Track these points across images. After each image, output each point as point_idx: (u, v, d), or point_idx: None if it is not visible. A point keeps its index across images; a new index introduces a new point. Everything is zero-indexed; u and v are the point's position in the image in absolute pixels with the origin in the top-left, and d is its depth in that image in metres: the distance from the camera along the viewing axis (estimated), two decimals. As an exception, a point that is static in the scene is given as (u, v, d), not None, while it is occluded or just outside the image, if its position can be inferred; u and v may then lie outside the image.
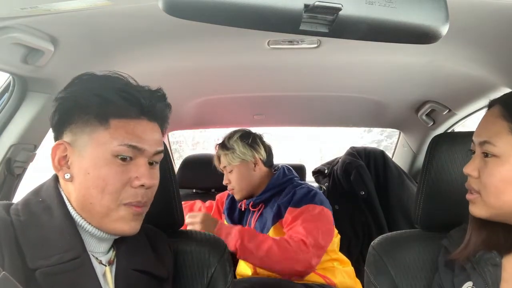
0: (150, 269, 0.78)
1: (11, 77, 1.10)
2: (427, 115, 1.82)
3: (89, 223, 0.71)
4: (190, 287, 0.91)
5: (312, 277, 1.47)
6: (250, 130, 1.65)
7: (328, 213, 1.47)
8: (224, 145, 1.60)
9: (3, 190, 1.15)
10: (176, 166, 2.32)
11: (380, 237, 0.97)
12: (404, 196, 1.97)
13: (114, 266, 0.75)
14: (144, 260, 0.79)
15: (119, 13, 0.89)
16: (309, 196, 1.48)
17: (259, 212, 1.58)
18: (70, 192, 0.71)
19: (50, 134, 1.25)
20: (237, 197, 1.61)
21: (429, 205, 0.93)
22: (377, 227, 1.95)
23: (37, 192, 0.73)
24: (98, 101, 0.69)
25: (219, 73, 1.44)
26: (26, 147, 1.17)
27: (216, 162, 1.66)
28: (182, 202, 1.59)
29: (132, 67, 1.23)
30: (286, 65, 1.35)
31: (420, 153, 2.11)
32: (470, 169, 0.74)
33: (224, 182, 1.62)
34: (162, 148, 0.75)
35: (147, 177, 0.71)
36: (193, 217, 1.44)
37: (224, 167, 1.61)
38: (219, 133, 1.73)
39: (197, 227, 1.41)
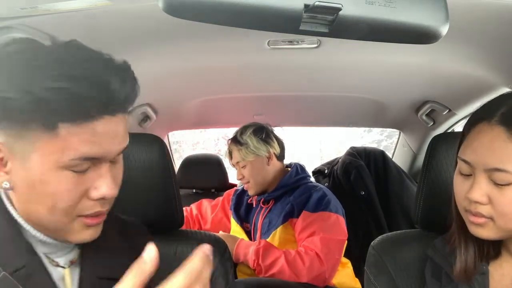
0: (122, 275, 0.64)
1: (11, 77, 1.10)
2: (427, 115, 1.82)
3: (40, 232, 0.59)
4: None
5: None
6: (262, 124, 1.64)
7: (343, 221, 1.47)
8: (237, 140, 1.58)
9: (3, 190, 1.15)
10: (176, 166, 2.32)
11: (380, 237, 0.97)
12: (404, 196, 1.97)
13: (77, 270, 0.64)
14: (116, 264, 0.61)
15: (119, 13, 0.89)
16: (324, 202, 1.47)
17: (269, 209, 1.58)
18: (12, 197, 0.59)
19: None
20: (251, 192, 1.60)
21: (429, 205, 0.93)
22: (377, 227, 1.95)
23: None
24: (33, 99, 0.50)
25: (219, 73, 1.44)
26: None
27: (228, 158, 1.65)
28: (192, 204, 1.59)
29: (132, 67, 1.23)
30: (286, 65, 1.35)
31: (420, 153, 2.11)
32: (478, 195, 0.66)
33: (238, 178, 1.62)
34: (126, 144, 0.60)
35: (108, 187, 0.57)
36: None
37: (237, 162, 1.59)
38: (219, 133, 1.73)
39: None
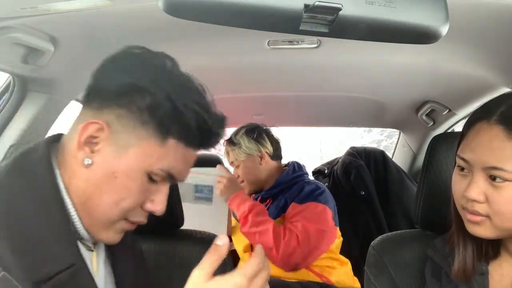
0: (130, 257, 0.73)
1: (11, 77, 1.10)
2: (427, 115, 1.82)
3: (83, 226, 0.61)
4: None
5: (309, 276, 1.47)
6: (257, 125, 1.66)
7: (329, 213, 1.47)
8: (231, 141, 1.63)
9: (3, 190, 1.15)
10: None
11: (380, 237, 0.97)
12: (404, 196, 1.97)
13: (101, 250, 0.68)
14: (125, 247, 0.71)
15: (119, 13, 0.89)
16: (315, 194, 1.48)
17: (267, 208, 1.59)
18: (77, 177, 0.59)
19: (50, 134, 1.25)
20: (245, 191, 1.62)
21: (429, 205, 0.93)
22: (377, 227, 1.95)
23: (23, 163, 0.60)
24: (172, 114, 0.58)
25: (218, 73, 1.44)
26: (26, 147, 1.17)
27: (226, 158, 1.69)
28: None
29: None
30: (286, 65, 1.35)
31: (420, 153, 2.11)
32: (475, 193, 0.67)
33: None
34: None
35: (162, 205, 0.63)
36: (222, 176, 1.51)
37: (232, 162, 1.64)
38: None
39: (220, 186, 1.49)
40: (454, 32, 0.72)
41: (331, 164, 2.18)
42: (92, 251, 0.66)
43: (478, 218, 0.68)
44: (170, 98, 0.58)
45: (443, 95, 1.63)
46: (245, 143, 1.58)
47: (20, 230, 0.55)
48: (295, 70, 1.41)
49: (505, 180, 0.64)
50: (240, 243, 1.60)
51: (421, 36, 0.56)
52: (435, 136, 0.96)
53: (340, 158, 2.14)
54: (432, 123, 1.85)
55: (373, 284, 0.92)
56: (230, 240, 1.74)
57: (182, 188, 1.51)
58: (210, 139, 0.63)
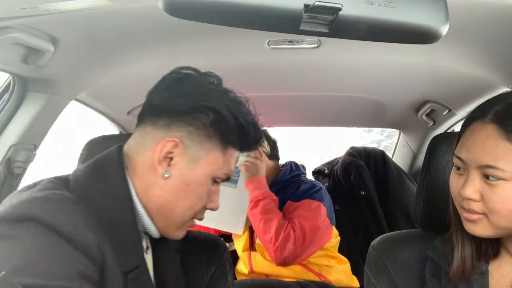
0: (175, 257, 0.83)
1: (11, 77, 1.11)
2: (427, 115, 1.82)
3: (154, 224, 0.70)
4: (190, 287, 0.91)
5: (307, 275, 1.47)
6: None
7: (324, 211, 1.47)
8: None
9: (3, 190, 1.15)
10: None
11: (380, 237, 0.97)
12: (404, 196, 1.97)
13: (149, 252, 0.77)
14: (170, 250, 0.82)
15: (119, 13, 0.89)
16: (310, 191, 1.49)
17: None
18: (155, 187, 0.68)
19: (50, 134, 1.26)
20: None
21: (429, 205, 0.93)
22: (377, 227, 1.95)
23: (97, 174, 0.67)
24: (236, 128, 0.70)
25: (218, 73, 1.43)
26: (26, 147, 1.17)
27: None
28: None
29: (132, 67, 1.23)
30: (286, 65, 1.35)
31: (420, 153, 2.11)
32: (470, 191, 0.68)
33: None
34: None
35: (218, 203, 0.75)
36: (252, 157, 1.51)
37: None
38: None
39: (246, 164, 1.50)
40: (454, 32, 0.73)
41: (331, 164, 2.18)
42: (147, 254, 0.74)
43: (474, 216, 0.69)
44: (229, 113, 0.69)
45: (443, 95, 1.62)
46: None
47: (109, 227, 0.62)
48: (295, 70, 1.41)
49: (499, 178, 0.65)
50: (239, 242, 1.61)
51: (421, 36, 0.56)
52: (435, 136, 0.96)
53: (340, 158, 2.14)
54: (432, 123, 1.85)
55: (373, 284, 0.92)
56: (231, 240, 1.73)
57: None
58: (257, 142, 0.75)
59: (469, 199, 0.68)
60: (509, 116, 0.66)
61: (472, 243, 0.75)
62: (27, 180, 1.26)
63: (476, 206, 0.68)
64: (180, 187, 0.68)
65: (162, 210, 0.69)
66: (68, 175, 0.68)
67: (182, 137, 0.68)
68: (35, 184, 0.64)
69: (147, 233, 0.74)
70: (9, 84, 1.13)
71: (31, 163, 1.23)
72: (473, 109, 0.74)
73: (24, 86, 1.12)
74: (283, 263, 1.40)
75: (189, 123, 0.68)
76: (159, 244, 0.78)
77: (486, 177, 0.66)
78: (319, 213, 1.44)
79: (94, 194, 0.64)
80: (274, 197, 1.46)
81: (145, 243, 0.74)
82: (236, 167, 1.52)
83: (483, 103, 0.72)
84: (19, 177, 1.21)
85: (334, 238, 1.55)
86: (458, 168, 0.72)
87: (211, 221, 1.52)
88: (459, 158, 0.71)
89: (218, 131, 0.69)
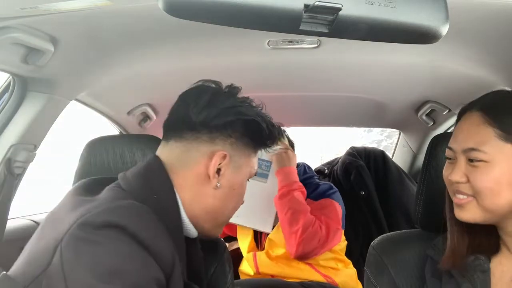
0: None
1: (11, 77, 1.11)
2: (427, 115, 1.81)
3: (199, 227, 0.77)
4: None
5: (314, 276, 1.46)
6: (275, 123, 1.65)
7: (341, 212, 1.50)
8: None
9: (3, 190, 1.15)
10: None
11: (380, 237, 0.97)
12: (404, 196, 1.97)
13: None
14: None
15: (119, 13, 0.89)
16: (329, 192, 1.50)
17: None
18: (206, 196, 0.75)
19: (50, 134, 1.25)
20: None
21: (429, 205, 0.93)
22: (377, 227, 1.94)
23: (147, 182, 0.72)
24: (266, 132, 0.79)
25: (218, 73, 1.43)
26: (26, 147, 1.17)
27: None
28: None
29: (132, 67, 1.23)
30: (286, 65, 1.35)
31: (420, 153, 2.11)
32: (458, 175, 0.73)
33: None
34: None
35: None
36: (285, 148, 1.49)
37: None
38: None
39: (280, 152, 1.47)
40: (454, 32, 0.72)
41: (331, 164, 2.18)
42: None
43: (463, 200, 0.73)
44: (261, 121, 0.77)
45: (443, 95, 1.62)
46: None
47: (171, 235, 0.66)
48: (295, 70, 1.41)
49: (481, 160, 0.70)
50: (244, 242, 1.59)
51: (421, 36, 0.56)
52: (435, 136, 0.96)
53: (340, 158, 2.14)
54: (432, 123, 1.84)
55: (373, 284, 0.92)
56: (232, 239, 1.73)
57: None
58: (277, 139, 0.83)
59: (457, 182, 0.73)
60: (493, 104, 0.73)
61: (465, 234, 0.77)
62: (27, 180, 1.26)
63: (465, 188, 0.72)
64: (228, 192, 0.77)
65: (212, 214, 0.77)
66: (116, 183, 0.72)
67: (227, 149, 0.76)
68: (93, 191, 0.69)
69: None
70: (9, 84, 1.13)
71: (31, 163, 1.23)
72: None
73: (24, 86, 1.12)
74: (301, 257, 1.40)
75: (230, 135, 0.76)
76: (190, 245, 0.82)
77: (471, 160, 0.71)
78: (340, 215, 1.46)
79: (151, 203, 0.67)
80: (304, 189, 1.45)
81: None
82: (267, 161, 1.51)
83: (476, 99, 0.78)
84: (19, 177, 1.21)
85: (343, 241, 1.55)
86: (450, 159, 0.77)
87: (238, 218, 1.44)
88: (449, 147, 0.77)
89: (253, 138, 0.79)
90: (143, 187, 0.70)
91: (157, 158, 0.76)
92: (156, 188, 0.71)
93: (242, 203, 0.84)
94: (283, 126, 1.63)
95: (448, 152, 0.78)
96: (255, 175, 0.84)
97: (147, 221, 0.62)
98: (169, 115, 0.79)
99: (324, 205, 1.45)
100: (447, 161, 0.79)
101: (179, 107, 0.78)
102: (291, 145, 1.65)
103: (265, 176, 1.51)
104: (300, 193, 1.42)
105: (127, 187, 0.70)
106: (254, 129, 0.78)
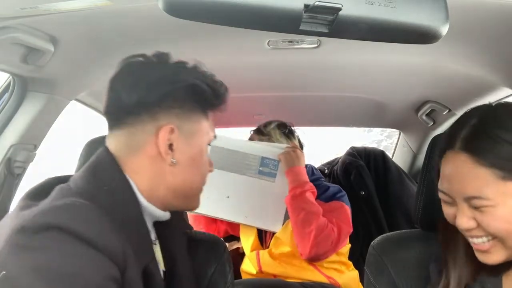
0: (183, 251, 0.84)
1: (11, 77, 1.11)
2: (427, 115, 1.81)
3: (155, 206, 0.72)
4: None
5: (317, 277, 1.46)
6: (284, 122, 1.65)
7: (350, 214, 1.50)
8: (260, 131, 1.60)
9: (3, 190, 1.15)
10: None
11: (380, 237, 0.97)
12: (404, 196, 1.97)
13: (157, 242, 0.78)
14: (178, 243, 0.84)
15: (119, 13, 0.89)
16: (339, 195, 1.49)
17: None
18: (166, 174, 0.71)
19: (50, 134, 1.26)
20: None
21: (429, 205, 0.93)
22: (377, 227, 1.94)
23: (96, 177, 0.68)
24: (210, 91, 0.73)
25: (219, 73, 1.43)
26: (26, 147, 1.17)
27: None
28: None
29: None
30: (286, 65, 1.35)
31: (420, 153, 2.11)
32: (466, 223, 0.66)
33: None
34: None
35: (211, 162, 0.80)
36: (293, 146, 1.46)
37: None
38: (218, 133, 1.71)
39: (288, 152, 1.45)
40: (454, 32, 0.72)
41: (331, 164, 2.18)
42: (155, 244, 0.76)
43: (486, 245, 0.66)
44: (201, 82, 0.72)
45: (443, 95, 1.62)
46: (277, 136, 1.56)
47: (123, 227, 0.62)
48: (295, 70, 1.41)
49: (487, 206, 0.63)
50: (247, 241, 1.57)
51: (421, 36, 0.56)
52: (435, 136, 0.95)
53: (340, 158, 2.14)
54: (432, 123, 1.84)
55: (373, 284, 0.92)
56: (232, 239, 1.73)
57: (248, 159, 1.46)
58: (226, 96, 0.78)
59: (467, 229, 0.67)
60: (476, 142, 0.65)
61: (466, 263, 0.72)
62: (27, 180, 1.26)
63: (479, 232, 0.67)
64: (188, 165, 0.72)
65: (179, 191, 0.73)
66: (67, 182, 0.68)
67: (172, 121, 0.70)
68: (45, 194, 0.64)
69: (154, 225, 0.77)
70: (9, 84, 1.13)
71: (31, 163, 1.23)
72: (442, 137, 0.73)
73: (24, 86, 1.12)
74: (313, 259, 1.39)
75: (171, 106, 0.70)
76: (166, 231, 0.80)
77: (474, 207, 0.65)
78: (350, 218, 1.46)
79: (101, 197, 0.64)
80: (315, 189, 1.43)
81: (153, 235, 0.76)
82: (274, 160, 1.48)
83: (449, 130, 0.72)
84: (19, 177, 1.21)
85: (347, 244, 1.55)
86: (446, 200, 0.71)
87: (246, 218, 1.45)
88: (442, 192, 0.70)
89: (198, 102, 0.73)
90: (90, 181, 0.66)
91: (105, 149, 0.71)
92: (106, 179, 0.67)
93: (211, 171, 0.79)
94: (293, 126, 1.65)
95: (443, 196, 0.71)
96: (214, 138, 0.79)
97: (88, 217, 0.58)
98: (104, 104, 0.73)
99: (335, 208, 1.44)
100: (444, 202, 0.72)
101: (110, 93, 0.72)
102: (301, 146, 1.64)
103: (273, 175, 1.49)
104: (311, 194, 1.41)
105: (74, 184, 0.66)
106: (196, 93, 0.72)
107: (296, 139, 1.62)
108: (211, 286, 0.91)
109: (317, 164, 2.32)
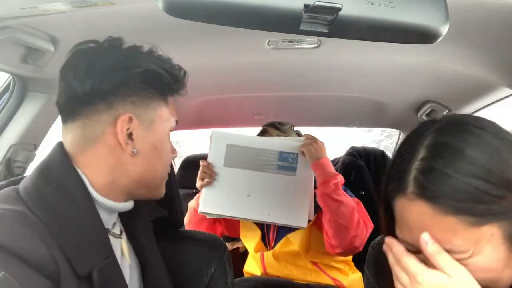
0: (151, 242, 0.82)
1: (11, 77, 1.11)
2: (427, 115, 1.81)
3: (117, 198, 0.69)
4: (190, 287, 0.91)
5: (322, 279, 1.45)
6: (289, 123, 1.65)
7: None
8: (276, 127, 1.56)
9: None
10: (176, 166, 2.32)
11: (380, 237, 0.97)
12: (404, 196, 1.96)
13: (124, 236, 0.76)
14: (147, 234, 0.82)
15: (119, 13, 0.89)
16: (351, 193, 1.47)
17: None
18: (128, 165, 0.68)
19: (50, 134, 1.26)
20: None
21: (429, 205, 0.93)
22: (377, 227, 1.94)
23: (46, 175, 0.65)
24: (167, 76, 0.71)
25: (219, 73, 1.44)
26: (26, 147, 1.17)
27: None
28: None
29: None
30: (286, 65, 1.35)
31: (420, 153, 2.10)
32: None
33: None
34: None
35: (174, 149, 0.78)
36: (313, 138, 1.41)
37: None
38: (233, 131, 1.70)
39: (311, 146, 1.38)
40: (454, 32, 0.72)
41: (331, 164, 2.18)
42: (120, 238, 0.73)
43: None
44: (157, 66, 0.70)
45: (443, 95, 1.63)
46: (293, 136, 1.56)
47: (65, 230, 0.60)
48: (295, 70, 1.41)
49: (462, 259, 0.55)
50: (250, 241, 1.55)
51: (421, 36, 0.56)
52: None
53: (340, 158, 2.14)
54: (432, 123, 1.84)
55: (372, 284, 0.92)
56: (232, 239, 1.72)
57: (266, 155, 1.41)
58: (185, 80, 0.76)
59: None
60: (432, 186, 0.54)
61: None
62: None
63: None
64: (150, 153, 0.70)
65: (142, 181, 0.70)
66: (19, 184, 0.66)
67: (130, 109, 0.67)
68: None
69: (118, 218, 0.75)
70: (9, 84, 1.13)
71: (31, 163, 1.23)
72: (386, 176, 0.63)
73: (24, 86, 1.12)
74: (348, 252, 1.36)
75: (127, 94, 0.67)
76: (132, 223, 0.79)
77: None
78: (364, 210, 1.44)
79: (47, 196, 0.61)
80: (343, 180, 1.38)
81: (118, 228, 0.74)
82: (292, 153, 1.41)
83: (393, 167, 0.61)
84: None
85: None
86: (411, 249, 0.59)
87: (269, 216, 1.38)
88: (405, 241, 0.59)
89: (155, 88, 0.70)
90: (38, 181, 0.63)
91: (58, 145, 0.68)
92: (55, 176, 0.64)
93: (175, 157, 0.77)
94: (294, 125, 1.65)
95: (408, 247, 0.59)
96: (176, 123, 0.76)
97: (16, 229, 0.54)
98: (57, 96, 0.70)
99: (356, 203, 1.40)
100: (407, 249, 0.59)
101: (62, 83, 0.68)
102: None
103: (293, 169, 1.41)
104: (341, 185, 1.36)
105: (23, 185, 0.63)
106: (152, 78, 0.69)
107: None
108: (211, 286, 0.92)
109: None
